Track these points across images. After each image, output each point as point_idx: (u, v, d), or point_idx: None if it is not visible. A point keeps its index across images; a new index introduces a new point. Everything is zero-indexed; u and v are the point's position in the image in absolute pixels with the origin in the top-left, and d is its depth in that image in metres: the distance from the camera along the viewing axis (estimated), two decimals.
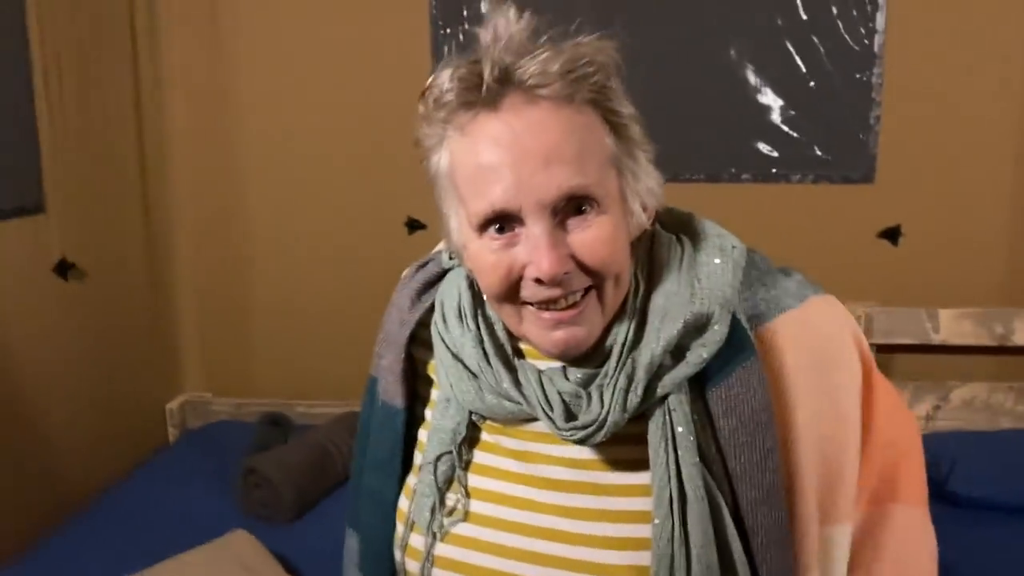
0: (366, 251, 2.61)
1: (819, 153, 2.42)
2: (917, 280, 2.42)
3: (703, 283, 0.81)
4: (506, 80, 0.76)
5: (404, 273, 1.01)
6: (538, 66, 0.76)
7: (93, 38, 2.30)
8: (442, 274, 0.96)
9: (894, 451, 0.88)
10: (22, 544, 1.99)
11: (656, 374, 0.79)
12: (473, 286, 0.89)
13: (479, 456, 0.89)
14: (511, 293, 0.79)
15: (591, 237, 0.76)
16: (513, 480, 0.87)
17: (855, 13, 2.33)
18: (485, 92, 0.76)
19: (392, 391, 0.95)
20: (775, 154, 2.43)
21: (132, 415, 2.50)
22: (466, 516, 0.87)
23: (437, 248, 1.00)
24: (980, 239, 2.41)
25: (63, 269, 2.18)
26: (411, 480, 0.93)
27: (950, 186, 2.39)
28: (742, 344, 0.80)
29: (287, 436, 2.36)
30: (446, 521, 0.88)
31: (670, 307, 0.80)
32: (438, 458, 0.88)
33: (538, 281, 0.76)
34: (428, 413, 0.95)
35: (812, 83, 2.39)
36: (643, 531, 0.80)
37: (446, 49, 2.48)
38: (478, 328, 0.87)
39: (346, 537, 1.07)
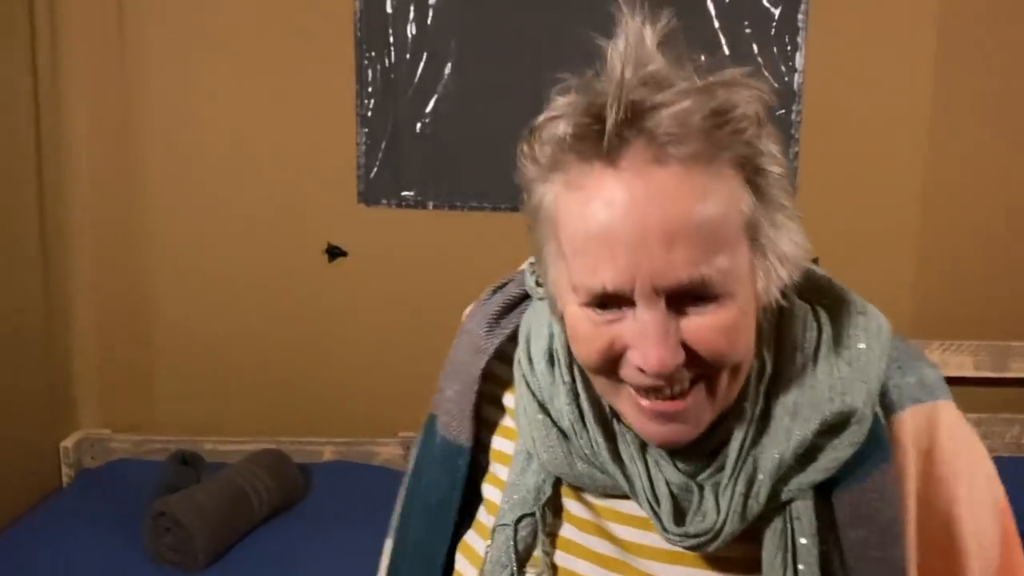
0: (282, 278, 2.50)
1: None
2: None
3: (845, 375, 0.68)
4: (633, 124, 0.62)
5: (469, 308, 0.89)
6: (675, 115, 0.62)
7: None
8: (525, 297, 0.84)
9: None
10: None
11: (781, 477, 0.68)
12: None
13: (564, 528, 0.77)
14: (609, 369, 0.68)
15: (708, 326, 0.64)
16: (600, 563, 0.75)
17: (776, 51, 2.40)
18: (607, 145, 0.62)
19: (456, 427, 0.83)
20: None
21: (22, 455, 2.29)
22: None
23: (521, 268, 0.87)
24: (891, 269, 2.49)
25: None
26: (472, 541, 0.82)
27: (863, 218, 2.48)
28: (878, 441, 0.68)
29: (199, 476, 2.22)
30: None
31: (804, 403, 0.68)
32: (519, 521, 0.76)
33: (641, 370, 0.65)
34: (495, 467, 0.84)
35: None
36: None
37: (370, 74, 2.42)
38: (573, 380, 0.74)
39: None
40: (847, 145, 2.45)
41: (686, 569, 0.73)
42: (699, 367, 0.66)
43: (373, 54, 2.41)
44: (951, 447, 0.72)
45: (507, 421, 0.84)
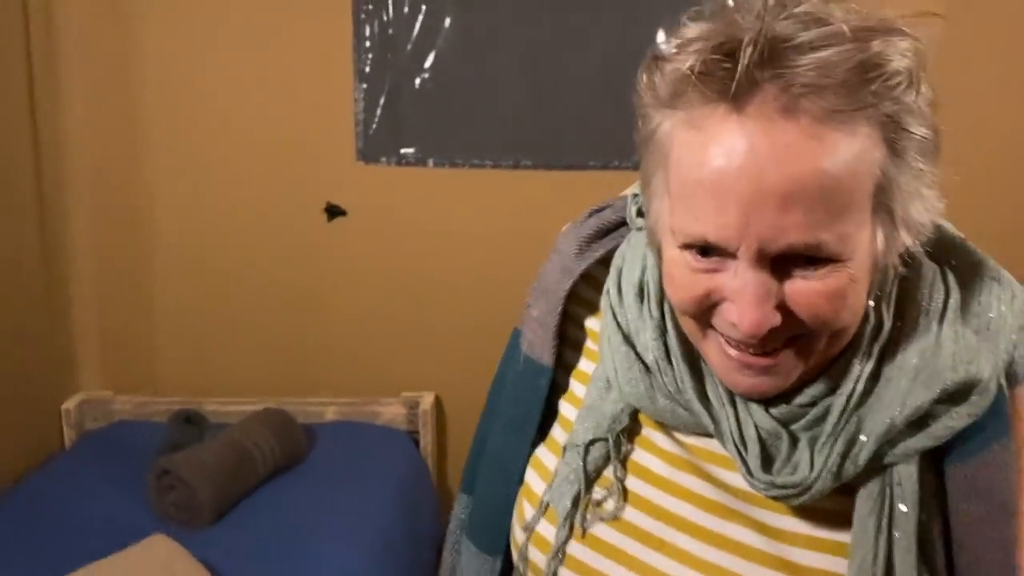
0: (281, 238, 2.48)
1: None
2: None
3: (972, 343, 0.65)
4: (768, 66, 0.57)
5: (565, 227, 0.87)
6: (817, 63, 0.56)
7: None
8: (621, 224, 0.81)
9: None
10: None
11: (887, 441, 0.64)
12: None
13: (638, 453, 0.76)
14: (700, 315, 0.66)
15: (814, 291, 0.61)
16: (674, 493, 0.74)
17: None
18: (735, 88, 0.57)
19: (539, 346, 0.82)
20: None
21: (23, 416, 2.28)
22: (614, 519, 0.75)
23: (624, 193, 0.83)
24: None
25: None
26: (543, 455, 0.82)
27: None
28: (997, 412, 0.65)
29: (203, 434, 2.21)
30: (589, 517, 0.75)
31: (926, 368, 0.64)
32: (590, 443, 0.76)
33: (734, 325, 0.63)
34: (574, 385, 0.83)
35: None
36: None
37: (368, 28, 2.37)
38: (662, 316, 0.72)
39: (455, 504, 0.95)
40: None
41: (758, 509, 0.71)
42: (797, 329, 0.63)
43: (371, 7, 2.36)
44: None
45: (590, 343, 0.83)
